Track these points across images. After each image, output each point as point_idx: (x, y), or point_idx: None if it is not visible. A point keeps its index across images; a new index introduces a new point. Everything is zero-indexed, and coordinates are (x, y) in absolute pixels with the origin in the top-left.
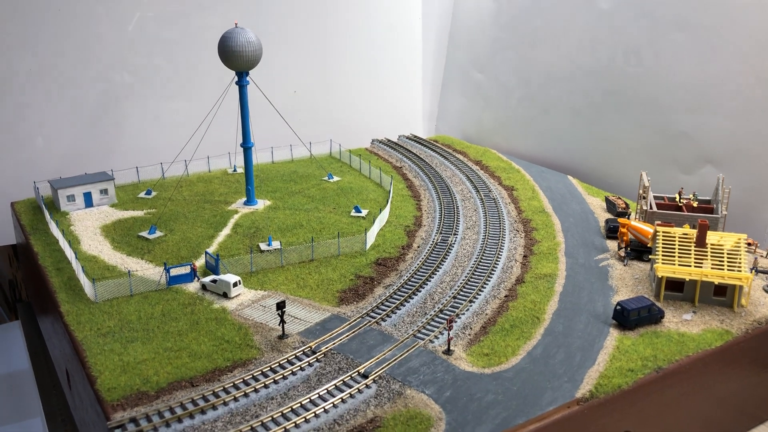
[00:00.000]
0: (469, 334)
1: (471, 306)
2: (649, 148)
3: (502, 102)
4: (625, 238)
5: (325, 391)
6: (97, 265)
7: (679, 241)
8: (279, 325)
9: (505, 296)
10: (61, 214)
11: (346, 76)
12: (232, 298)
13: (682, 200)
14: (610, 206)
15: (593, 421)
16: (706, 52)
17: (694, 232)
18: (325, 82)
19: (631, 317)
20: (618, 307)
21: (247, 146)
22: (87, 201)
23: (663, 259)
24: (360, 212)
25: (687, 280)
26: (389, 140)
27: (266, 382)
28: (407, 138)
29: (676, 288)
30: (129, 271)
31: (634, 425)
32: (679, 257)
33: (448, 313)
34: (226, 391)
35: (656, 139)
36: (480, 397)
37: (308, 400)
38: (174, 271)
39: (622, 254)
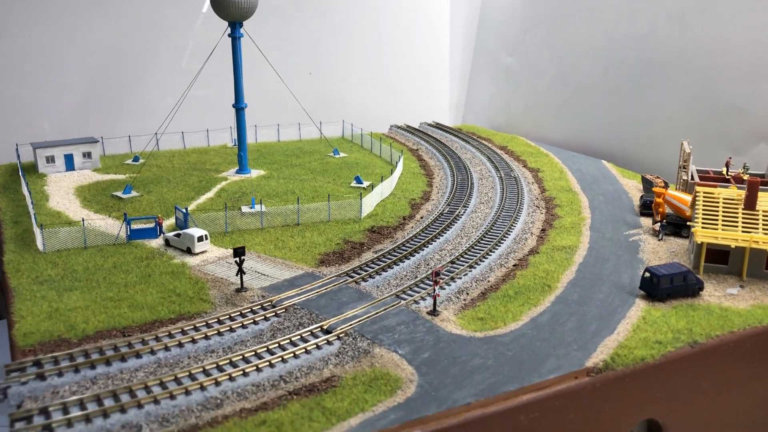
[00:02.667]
0: (464, 299)
1: (470, 271)
2: (695, 126)
3: (532, 85)
4: (660, 210)
5: (276, 345)
6: (59, 220)
7: (724, 204)
8: (237, 275)
9: (514, 265)
10: (38, 176)
11: (366, 61)
12: (197, 254)
13: (730, 173)
14: (647, 185)
15: (607, 398)
16: (763, 12)
17: (741, 194)
18: (344, 65)
19: (662, 286)
20: (646, 274)
21: (239, 107)
22: (68, 164)
23: (704, 224)
24: (361, 183)
25: (733, 247)
26: (409, 126)
27: (208, 333)
28: (429, 125)
29: (719, 258)
30: (83, 220)
31: (660, 413)
32: (723, 222)
33: (443, 275)
34: (158, 339)
35: (703, 115)
36: (465, 360)
37: (253, 353)
38: (136, 225)
39: (657, 228)
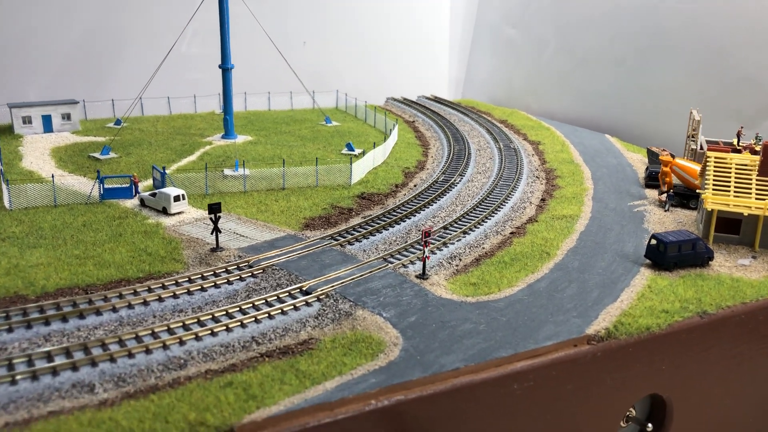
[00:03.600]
0: (457, 265)
1: (464, 237)
2: (704, 98)
3: (534, 57)
4: (667, 179)
5: (250, 305)
6: (31, 179)
7: (737, 170)
8: (212, 234)
9: (511, 233)
10: (14, 137)
11: (363, 32)
12: (173, 214)
13: (741, 144)
14: (653, 157)
15: (609, 369)
16: None
17: (755, 159)
18: (340, 36)
19: (669, 253)
20: (653, 241)
21: (226, 67)
22: (46, 125)
23: (714, 190)
24: (353, 150)
25: (745, 215)
26: (406, 99)
27: (177, 292)
28: (426, 98)
29: (730, 228)
30: (53, 177)
31: (665, 387)
32: (735, 189)
33: (435, 240)
34: (121, 297)
35: (713, 87)
36: (454, 325)
37: (224, 313)
38: (110, 183)
39: (663, 199)
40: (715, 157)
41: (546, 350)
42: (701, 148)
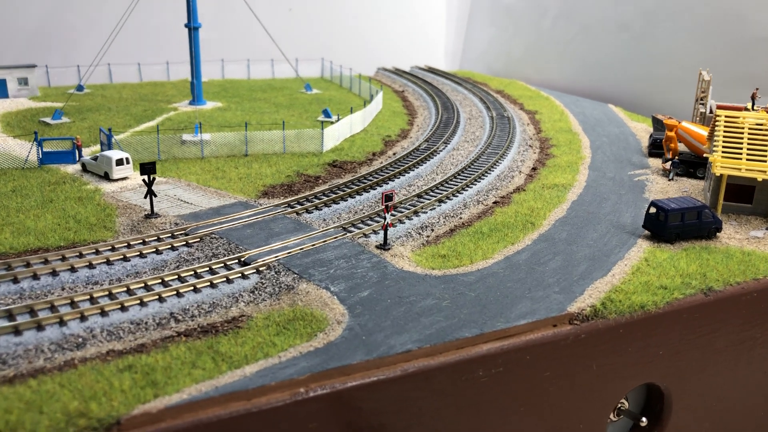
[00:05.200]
0: (428, 236)
1: (439, 206)
2: (715, 63)
3: (534, 24)
4: (672, 145)
5: (175, 277)
6: None
7: (750, 132)
8: (145, 198)
9: (494, 202)
10: None
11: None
12: (116, 180)
13: (756, 107)
14: (658, 125)
15: (595, 353)
16: None
17: None
18: (328, 2)
19: (670, 223)
20: (652, 210)
21: (192, 26)
22: (1, 90)
23: (724, 153)
24: (330, 117)
25: (759, 182)
26: (398, 69)
27: (93, 262)
28: (420, 69)
29: (741, 196)
30: None
31: (662, 376)
32: (748, 152)
33: (404, 208)
34: (28, 266)
35: (725, 51)
36: (413, 301)
37: (141, 285)
38: (49, 146)
39: (667, 167)
40: (726, 116)
41: (518, 330)
42: (711, 111)
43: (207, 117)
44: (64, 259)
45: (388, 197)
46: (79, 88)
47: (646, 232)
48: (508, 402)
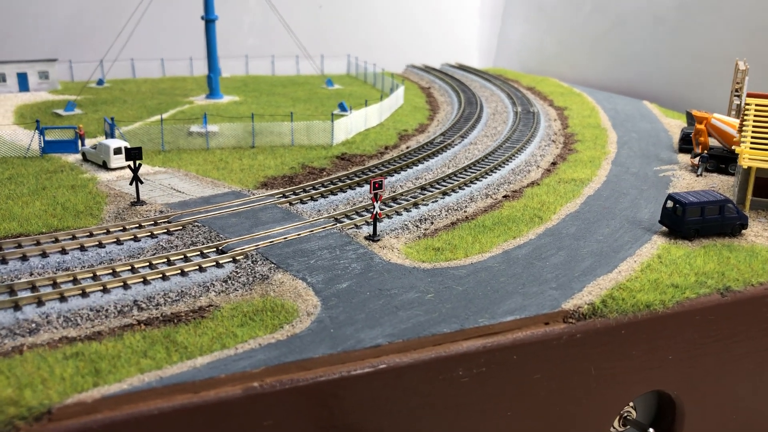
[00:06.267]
0: (426, 229)
1: (443, 198)
2: (756, 55)
3: (568, 19)
4: (701, 139)
5: (146, 264)
6: None
7: None
8: (131, 184)
9: (504, 196)
10: None
11: None
12: (113, 168)
13: None
14: (692, 120)
15: (593, 355)
16: None
17: None
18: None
19: (688, 218)
20: (668, 203)
21: (209, 18)
22: (22, 84)
23: (754, 144)
24: (345, 110)
25: None
26: (427, 66)
27: (66, 247)
28: (451, 66)
29: None
30: None
31: (672, 384)
32: None
33: (403, 200)
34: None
35: (765, 42)
36: (394, 294)
37: (109, 271)
38: (51, 135)
39: (696, 162)
40: (756, 105)
41: (504, 327)
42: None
43: (221, 110)
44: (38, 244)
45: (378, 185)
46: (100, 82)
47: (664, 228)
48: (492, 405)
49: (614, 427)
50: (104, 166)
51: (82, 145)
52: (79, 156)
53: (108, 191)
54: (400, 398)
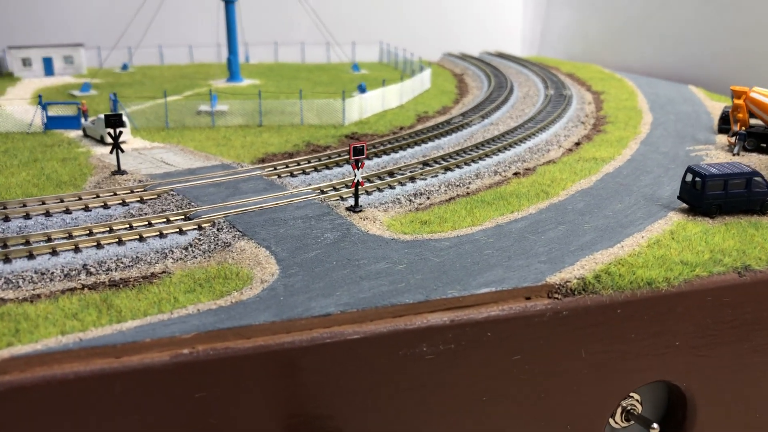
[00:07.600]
0: (420, 203)
1: (443, 174)
2: None
3: (612, 2)
4: (740, 115)
5: (107, 229)
6: None
7: None
8: (111, 152)
9: (515, 173)
10: (14, 79)
11: None
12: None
13: None
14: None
15: (582, 336)
16: None
17: None
18: None
19: (708, 192)
20: (688, 176)
21: (229, 0)
22: (47, 68)
23: None
24: (364, 92)
25: None
26: (465, 54)
27: (30, 213)
28: (489, 54)
29: None
30: None
31: (679, 374)
32: None
33: (400, 172)
34: None
35: None
36: (362, 264)
37: (65, 234)
38: (54, 110)
39: (732, 141)
40: None
41: (476, 300)
42: None
43: (238, 92)
44: (4, 208)
45: (357, 150)
46: (124, 66)
47: (684, 204)
48: (464, 388)
49: (615, 421)
50: (102, 140)
51: (86, 120)
52: (80, 132)
53: (98, 164)
54: (355, 374)
